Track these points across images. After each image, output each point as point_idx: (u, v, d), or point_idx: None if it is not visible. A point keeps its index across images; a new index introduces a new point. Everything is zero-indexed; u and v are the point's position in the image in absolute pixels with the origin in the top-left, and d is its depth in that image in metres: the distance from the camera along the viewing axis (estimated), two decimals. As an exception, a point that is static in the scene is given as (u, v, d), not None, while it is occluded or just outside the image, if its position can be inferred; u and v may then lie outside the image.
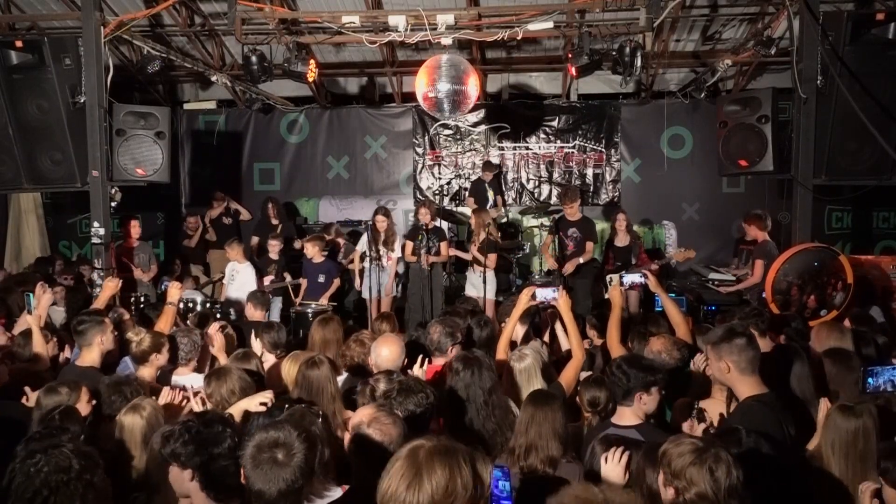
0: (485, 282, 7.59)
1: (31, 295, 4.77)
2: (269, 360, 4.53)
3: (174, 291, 5.10)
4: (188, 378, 4.26)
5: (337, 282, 7.82)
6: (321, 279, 7.82)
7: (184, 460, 2.31)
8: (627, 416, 3.22)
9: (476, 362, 3.42)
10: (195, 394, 3.69)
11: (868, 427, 2.87)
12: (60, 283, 7.82)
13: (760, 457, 2.62)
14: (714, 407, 3.47)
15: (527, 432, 3.00)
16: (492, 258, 7.67)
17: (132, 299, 6.96)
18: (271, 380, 4.14)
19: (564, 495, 1.97)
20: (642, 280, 4.70)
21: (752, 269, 7.27)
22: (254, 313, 6.04)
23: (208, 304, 7.25)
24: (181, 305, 6.48)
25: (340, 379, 4.22)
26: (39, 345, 4.46)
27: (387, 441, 2.45)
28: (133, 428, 2.99)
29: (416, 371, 3.88)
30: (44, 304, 4.90)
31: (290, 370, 3.89)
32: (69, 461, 2.27)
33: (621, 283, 4.59)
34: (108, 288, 5.34)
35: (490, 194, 9.94)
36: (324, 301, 7.62)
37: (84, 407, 3.35)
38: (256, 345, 4.68)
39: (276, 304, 7.95)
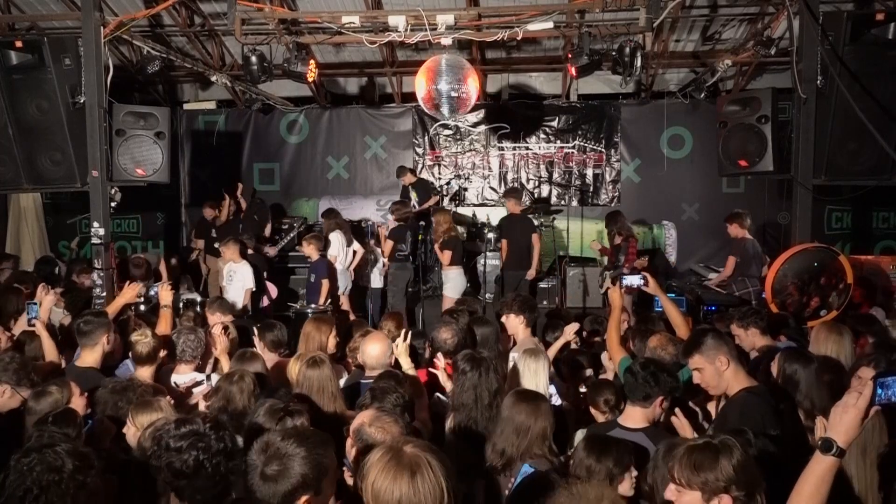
0: (443, 280, 8.04)
1: (37, 305, 4.76)
2: (271, 358, 4.52)
3: (166, 294, 5.06)
4: (188, 377, 4.27)
5: (326, 282, 7.80)
6: (312, 279, 7.86)
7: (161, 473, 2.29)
8: (636, 419, 3.18)
9: (483, 363, 3.43)
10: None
11: (882, 420, 2.87)
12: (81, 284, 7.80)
13: (770, 458, 2.63)
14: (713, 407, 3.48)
15: (500, 434, 3.01)
16: (446, 255, 8.02)
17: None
18: (273, 379, 4.14)
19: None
20: (642, 283, 4.71)
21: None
22: (222, 318, 5.52)
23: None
24: (181, 306, 6.47)
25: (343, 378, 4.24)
26: (52, 354, 4.46)
27: (388, 439, 2.46)
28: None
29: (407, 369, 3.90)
30: (46, 306, 4.90)
31: (294, 371, 3.89)
32: (61, 461, 2.26)
33: (621, 286, 4.60)
34: (125, 295, 5.21)
35: (413, 196, 9.82)
36: (320, 301, 7.62)
37: (77, 402, 3.35)
38: (256, 345, 4.67)
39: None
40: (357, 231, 9.58)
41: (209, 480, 2.18)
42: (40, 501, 2.20)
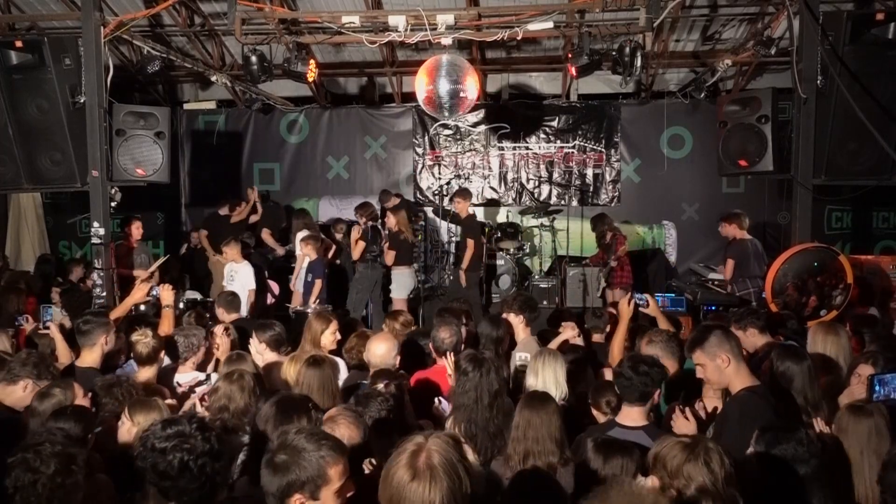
0: (390, 280, 8.25)
1: (52, 308, 4.80)
2: (270, 358, 4.51)
3: (167, 294, 5.04)
4: (190, 376, 4.27)
5: (318, 282, 7.80)
6: (309, 278, 7.88)
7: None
8: (634, 417, 3.20)
9: (486, 363, 3.42)
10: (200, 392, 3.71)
11: (880, 425, 2.88)
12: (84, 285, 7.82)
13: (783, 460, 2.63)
14: (709, 405, 3.48)
15: (524, 438, 3.00)
16: (390, 255, 8.12)
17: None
18: (270, 378, 4.14)
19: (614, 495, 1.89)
20: (643, 303, 4.80)
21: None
22: (226, 316, 5.72)
23: (208, 304, 7.23)
24: (181, 306, 6.47)
25: (343, 376, 4.24)
26: (64, 356, 4.47)
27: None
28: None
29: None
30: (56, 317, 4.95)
31: (290, 370, 3.89)
32: (40, 461, 2.27)
33: (631, 297, 4.75)
34: (134, 296, 5.17)
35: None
36: (311, 300, 7.64)
37: (81, 403, 3.34)
38: (255, 345, 4.66)
39: None
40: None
41: (195, 481, 2.19)
42: (14, 501, 2.22)
